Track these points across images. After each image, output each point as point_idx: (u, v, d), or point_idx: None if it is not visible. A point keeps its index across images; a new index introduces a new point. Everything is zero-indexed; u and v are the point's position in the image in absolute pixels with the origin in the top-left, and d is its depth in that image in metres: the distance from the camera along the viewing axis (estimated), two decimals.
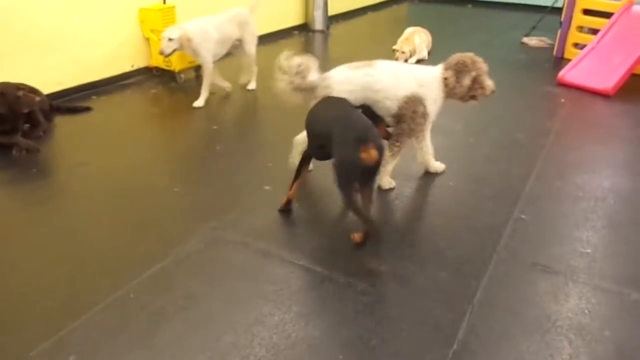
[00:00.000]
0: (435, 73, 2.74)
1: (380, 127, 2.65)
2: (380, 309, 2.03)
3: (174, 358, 1.80)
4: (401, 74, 2.72)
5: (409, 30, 5.47)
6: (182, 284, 2.16)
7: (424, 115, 2.73)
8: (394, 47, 5.60)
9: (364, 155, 2.14)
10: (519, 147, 3.45)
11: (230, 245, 2.41)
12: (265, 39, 5.86)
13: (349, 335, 1.90)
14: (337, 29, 6.71)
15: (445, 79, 2.70)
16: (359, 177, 2.23)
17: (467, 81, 2.68)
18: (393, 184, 2.88)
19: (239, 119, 4.02)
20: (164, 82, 4.61)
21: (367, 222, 2.33)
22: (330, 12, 6.69)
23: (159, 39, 4.50)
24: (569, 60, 4.99)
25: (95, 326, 1.92)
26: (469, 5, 8.42)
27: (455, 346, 1.85)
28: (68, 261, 2.29)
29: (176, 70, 4.56)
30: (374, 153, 2.15)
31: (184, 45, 3.83)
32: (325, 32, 6.50)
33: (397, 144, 2.77)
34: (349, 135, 2.18)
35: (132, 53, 4.60)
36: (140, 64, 4.69)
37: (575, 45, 5.30)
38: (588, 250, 2.38)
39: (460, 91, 2.72)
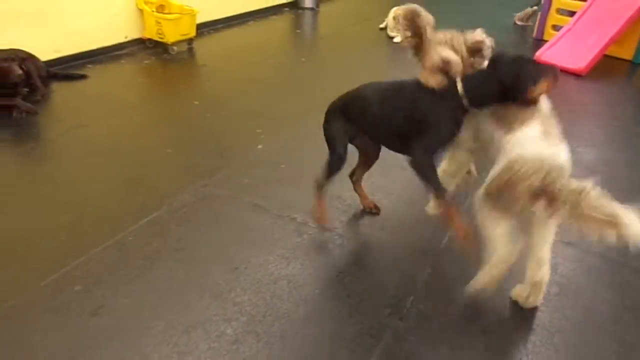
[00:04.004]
0: None
1: None
2: (355, 252, 2.26)
3: (168, 290, 2.02)
4: None
5: (396, 9, 5.63)
6: (175, 230, 2.37)
7: None
8: (381, 26, 5.78)
9: None
10: None
11: (220, 199, 2.63)
12: (255, 15, 6.02)
13: (326, 274, 2.14)
14: (327, 7, 6.85)
15: None
16: None
17: None
18: None
19: (226, 91, 4.17)
20: (157, 54, 4.75)
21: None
22: None
23: (152, 11, 4.65)
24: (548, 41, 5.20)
25: (98, 263, 2.14)
26: None
27: (418, 285, 2.09)
28: (69, 210, 2.49)
29: (169, 43, 4.71)
30: None
31: None
32: (315, 10, 6.64)
33: None
34: None
35: (126, 24, 4.73)
36: (133, 35, 4.82)
37: (554, 27, 5.52)
38: None
39: None
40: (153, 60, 4.63)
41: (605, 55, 4.84)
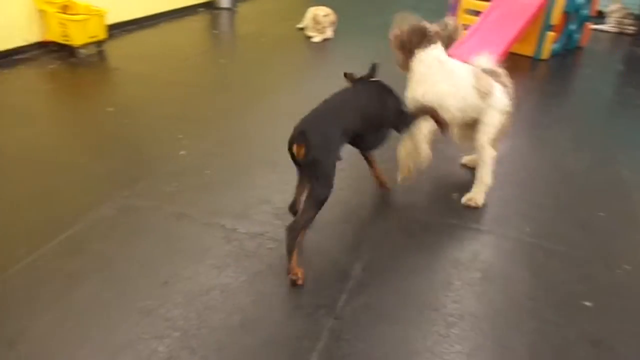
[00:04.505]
0: None
1: None
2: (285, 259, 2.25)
3: (91, 312, 1.89)
4: None
5: (313, 9, 5.66)
6: (95, 247, 2.23)
7: None
8: (299, 26, 5.80)
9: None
10: None
11: (142, 210, 2.50)
12: (169, 16, 5.81)
13: (259, 279, 2.10)
14: (244, 7, 6.76)
15: None
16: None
17: None
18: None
19: (142, 96, 4.00)
20: (63, 58, 4.44)
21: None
22: None
23: (55, 11, 4.34)
24: None
25: (7, 292, 1.95)
26: None
27: (350, 283, 2.12)
28: None
29: (76, 45, 4.42)
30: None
31: None
32: (232, 10, 6.53)
33: None
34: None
35: (25, 26, 4.38)
36: (34, 38, 4.47)
37: (464, 26, 5.80)
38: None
39: None
40: (59, 64, 4.33)
41: (510, 53, 5.18)
